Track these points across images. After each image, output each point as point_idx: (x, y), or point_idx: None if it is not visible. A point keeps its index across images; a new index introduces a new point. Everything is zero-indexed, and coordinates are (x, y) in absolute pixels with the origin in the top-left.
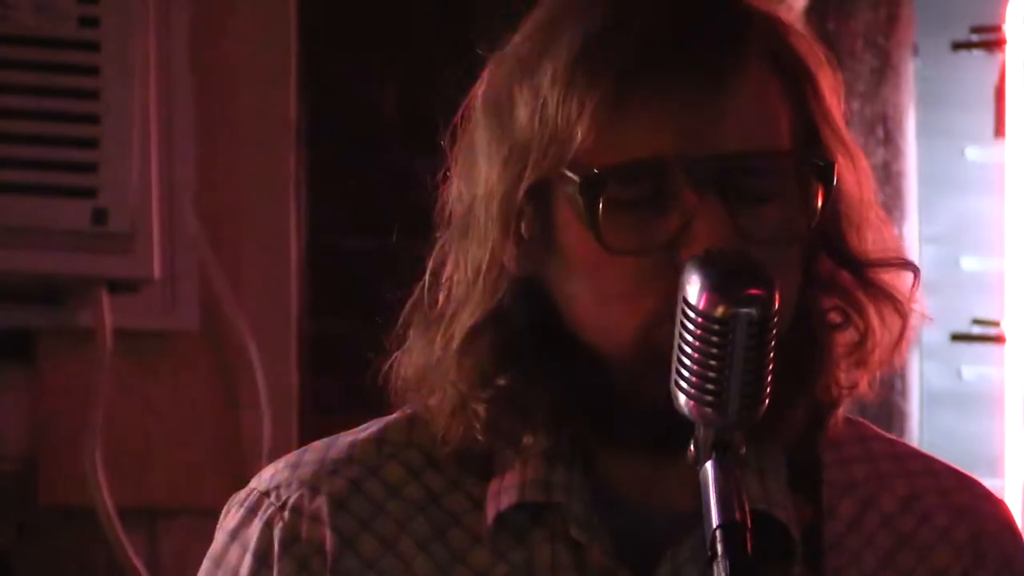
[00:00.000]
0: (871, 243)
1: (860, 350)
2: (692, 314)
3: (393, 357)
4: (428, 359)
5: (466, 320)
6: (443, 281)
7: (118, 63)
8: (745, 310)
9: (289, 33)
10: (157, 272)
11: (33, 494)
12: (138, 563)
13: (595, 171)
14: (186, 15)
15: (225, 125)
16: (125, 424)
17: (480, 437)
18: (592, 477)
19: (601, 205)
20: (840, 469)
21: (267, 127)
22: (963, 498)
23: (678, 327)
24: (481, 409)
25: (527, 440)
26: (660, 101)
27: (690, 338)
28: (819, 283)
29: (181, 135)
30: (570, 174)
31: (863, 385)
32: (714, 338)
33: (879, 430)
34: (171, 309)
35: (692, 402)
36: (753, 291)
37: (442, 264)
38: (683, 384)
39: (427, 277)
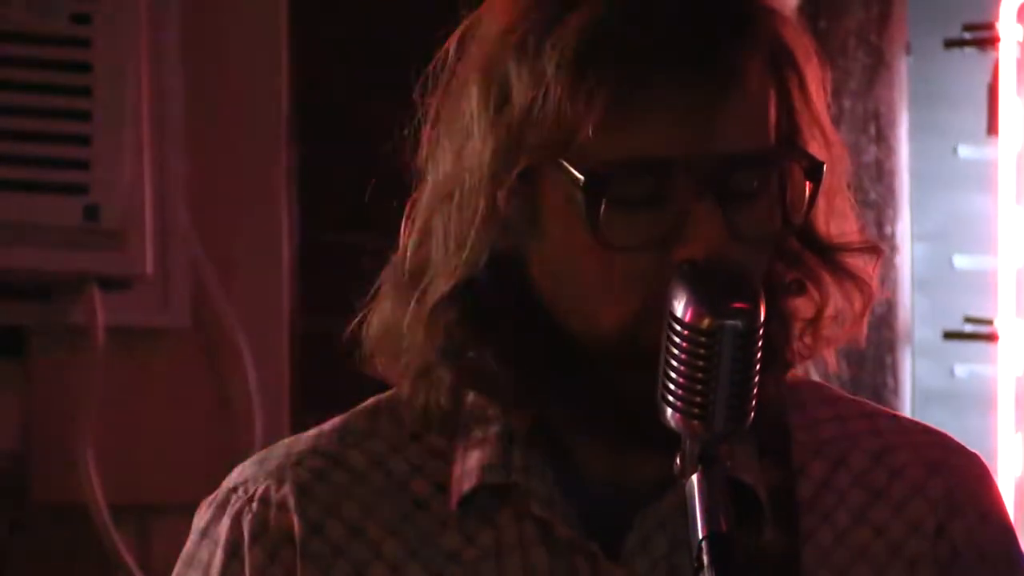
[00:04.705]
0: (834, 228)
1: (817, 320)
2: (678, 327)
3: (363, 316)
4: (397, 320)
5: (440, 287)
6: (420, 244)
7: (110, 59)
8: (731, 322)
9: (280, 28)
10: (149, 269)
11: (25, 491)
12: (130, 560)
13: (600, 170)
14: (177, 11)
15: (217, 122)
16: (117, 421)
17: (443, 402)
18: (555, 457)
19: (603, 205)
20: (808, 431)
21: (259, 123)
22: (936, 453)
23: (665, 340)
24: (447, 378)
25: (491, 413)
26: (667, 102)
27: (677, 351)
28: (784, 258)
29: (173, 132)
30: (571, 168)
31: (830, 359)
32: (701, 350)
33: (844, 392)
34: (163, 306)
35: (679, 415)
36: (739, 304)
37: (421, 227)
38: (670, 397)
39: (404, 238)
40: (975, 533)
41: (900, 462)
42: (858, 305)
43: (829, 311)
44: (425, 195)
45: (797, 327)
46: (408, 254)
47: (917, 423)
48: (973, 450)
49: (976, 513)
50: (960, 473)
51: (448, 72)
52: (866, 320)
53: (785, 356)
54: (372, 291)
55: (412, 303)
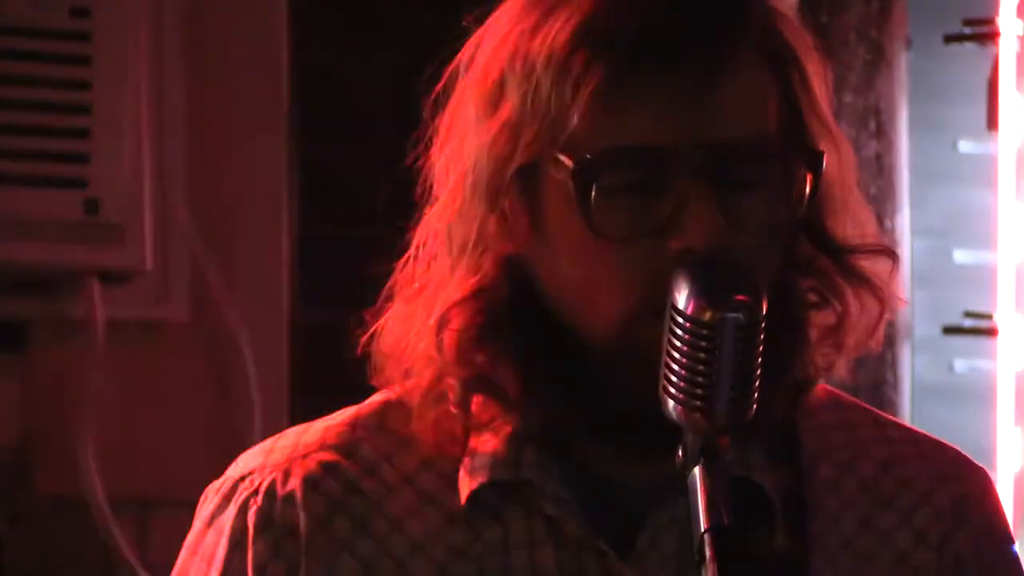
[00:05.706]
0: (851, 229)
1: (837, 332)
2: (680, 319)
3: (373, 329)
4: (407, 332)
5: (447, 295)
6: (426, 255)
7: (110, 53)
8: (733, 315)
9: (281, 23)
10: (149, 263)
11: (25, 484)
12: (129, 553)
13: (588, 156)
14: (178, 5)
15: (217, 116)
16: (117, 414)
17: (453, 410)
18: (566, 456)
19: (594, 191)
20: (816, 435)
21: (259, 117)
22: (944, 465)
23: (667, 333)
24: (457, 385)
25: (500, 419)
26: (655, 89)
27: (678, 343)
28: (798, 265)
29: (173, 126)
30: (563, 158)
31: (841, 368)
32: (702, 343)
33: (857, 400)
34: (163, 300)
35: (680, 407)
36: (740, 296)
37: (426, 238)
38: (672, 389)
39: (411, 250)
40: (980, 545)
41: (909, 472)
42: (875, 312)
43: (848, 321)
44: (433, 204)
45: (814, 335)
46: (414, 263)
47: (926, 435)
48: (980, 464)
49: (982, 525)
50: (967, 486)
51: (455, 92)
52: (882, 327)
53: (804, 365)
54: (380, 301)
55: (420, 311)
